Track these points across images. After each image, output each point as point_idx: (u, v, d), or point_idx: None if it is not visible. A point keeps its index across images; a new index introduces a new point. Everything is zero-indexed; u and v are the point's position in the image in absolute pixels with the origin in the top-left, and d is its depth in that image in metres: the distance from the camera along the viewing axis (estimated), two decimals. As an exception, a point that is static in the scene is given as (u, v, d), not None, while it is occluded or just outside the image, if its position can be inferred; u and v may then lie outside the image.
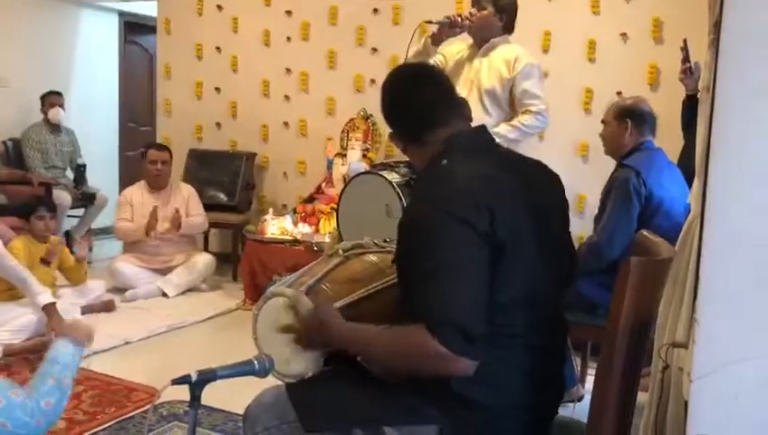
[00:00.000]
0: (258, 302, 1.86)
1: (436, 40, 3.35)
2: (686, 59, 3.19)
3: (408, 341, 1.46)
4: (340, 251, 1.97)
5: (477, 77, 3.44)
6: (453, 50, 3.56)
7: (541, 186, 1.64)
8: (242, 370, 1.50)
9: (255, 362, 1.52)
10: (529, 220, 1.52)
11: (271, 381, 1.66)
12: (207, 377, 1.44)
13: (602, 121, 3.15)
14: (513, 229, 1.47)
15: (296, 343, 1.71)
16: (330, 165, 5.11)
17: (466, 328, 1.40)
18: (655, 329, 2.10)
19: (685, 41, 3.22)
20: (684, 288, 1.86)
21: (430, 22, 3.39)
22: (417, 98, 1.68)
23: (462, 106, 1.77)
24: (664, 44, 4.23)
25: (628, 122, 2.99)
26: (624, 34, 4.36)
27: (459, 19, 3.29)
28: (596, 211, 3.05)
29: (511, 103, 3.43)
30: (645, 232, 1.63)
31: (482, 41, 3.47)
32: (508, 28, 3.52)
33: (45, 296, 3.58)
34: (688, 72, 3.17)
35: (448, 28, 3.32)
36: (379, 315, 1.76)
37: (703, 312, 1.19)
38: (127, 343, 3.78)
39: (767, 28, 1.16)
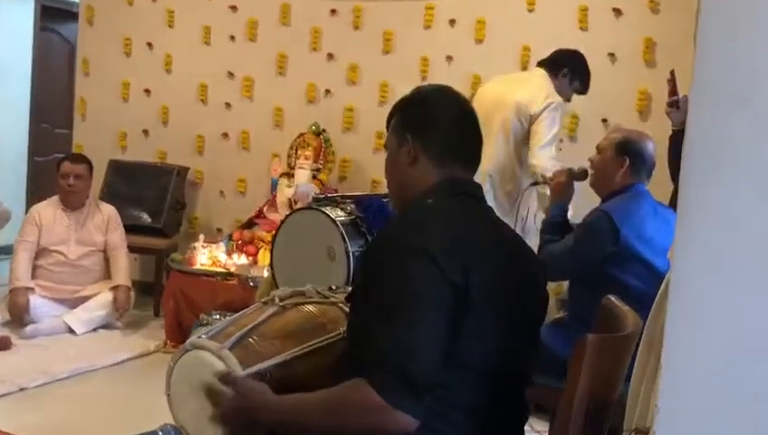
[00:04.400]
0: (175, 353, 1.87)
1: None
2: (673, 91, 3.28)
3: (345, 395, 1.51)
4: (277, 299, 2.00)
5: None
6: None
7: (524, 265, 1.74)
8: (145, 443, 1.51)
9: (160, 432, 1.53)
10: (504, 292, 1.59)
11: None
12: (105, 451, 1.45)
13: (597, 147, 3.18)
14: (486, 291, 1.54)
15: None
16: (274, 186, 5.13)
17: (412, 378, 1.44)
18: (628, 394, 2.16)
19: (672, 72, 3.32)
20: (659, 357, 1.91)
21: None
22: (467, 131, 1.79)
23: (479, 161, 1.85)
24: (656, 68, 4.36)
25: (625, 160, 3.02)
26: (612, 55, 4.48)
27: None
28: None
29: None
30: (612, 298, 1.69)
31: None
32: None
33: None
34: (674, 106, 3.25)
35: None
36: (313, 378, 1.78)
37: (664, 398, 1.24)
38: (22, 389, 3.70)
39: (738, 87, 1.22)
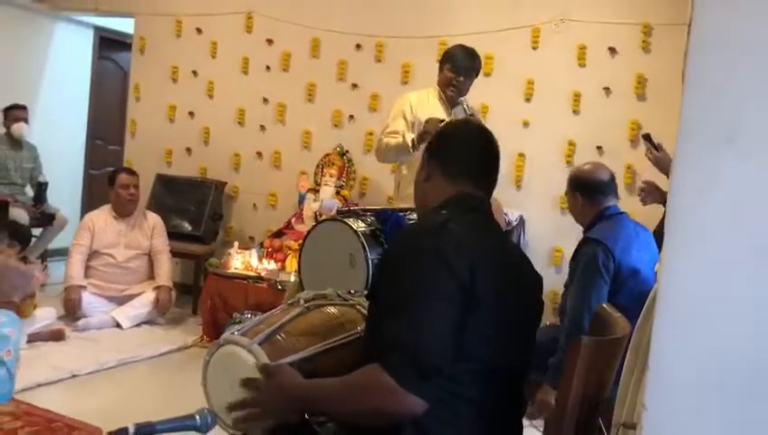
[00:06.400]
0: (210, 347, 1.88)
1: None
2: (654, 148, 3.15)
3: (359, 378, 1.52)
4: (302, 301, 2.01)
5: None
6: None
7: (523, 273, 1.75)
8: (182, 424, 1.50)
9: (197, 416, 1.52)
10: (506, 294, 1.60)
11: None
12: (145, 431, 1.44)
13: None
14: (490, 292, 1.54)
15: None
16: (301, 200, 5.14)
17: (421, 361, 1.44)
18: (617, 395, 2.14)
19: (647, 135, 3.20)
20: (645, 361, 1.90)
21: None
22: (477, 154, 1.82)
23: (493, 185, 1.86)
24: (646, 101, 4.36)
25: (578, 195, 3.06)
26: (607, 89, 4.48)
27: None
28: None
29: None
30: (605, 305, 1.68)
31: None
32: None
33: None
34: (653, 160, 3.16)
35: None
36: (335, 372, 1.79)
37: (651, 397, 1.23)
38: (74, 376, 3.74)
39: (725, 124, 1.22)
